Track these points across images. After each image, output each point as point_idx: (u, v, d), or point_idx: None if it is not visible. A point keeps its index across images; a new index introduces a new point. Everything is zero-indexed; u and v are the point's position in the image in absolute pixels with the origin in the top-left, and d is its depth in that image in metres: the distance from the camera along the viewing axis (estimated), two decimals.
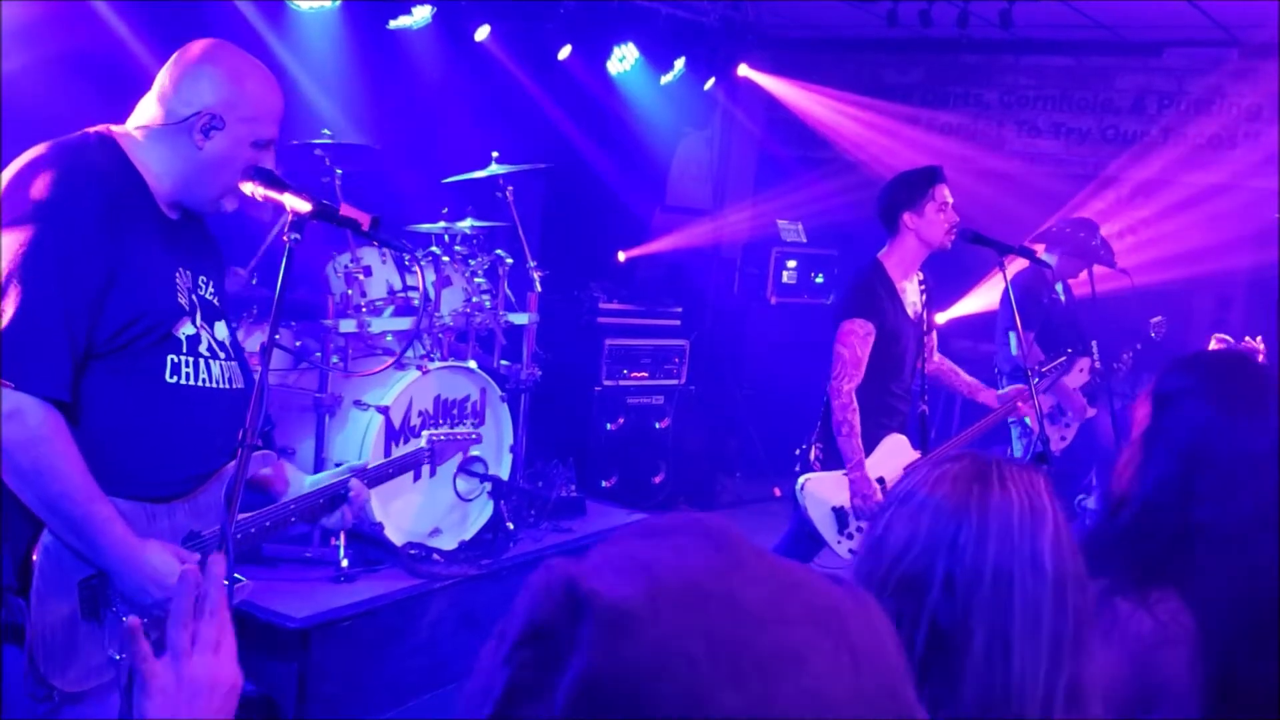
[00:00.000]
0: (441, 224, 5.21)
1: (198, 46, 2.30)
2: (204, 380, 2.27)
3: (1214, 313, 6.67)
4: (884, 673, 0.69)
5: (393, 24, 5.85)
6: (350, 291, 4.72)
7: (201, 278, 2.33)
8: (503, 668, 0.69)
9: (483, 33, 6.31)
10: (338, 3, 5.49)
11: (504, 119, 6.63)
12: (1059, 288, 5.85)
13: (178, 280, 2.25)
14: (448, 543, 4.78)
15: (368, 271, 4.79)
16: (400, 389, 4.52)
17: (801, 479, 4.15)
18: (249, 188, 2.25)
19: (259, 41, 5.38)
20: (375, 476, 2.65)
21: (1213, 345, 4.34)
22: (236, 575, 2.38)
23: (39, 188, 2.06)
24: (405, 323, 4.86)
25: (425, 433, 2.90)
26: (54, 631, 2.08)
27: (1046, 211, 7.10)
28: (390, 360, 4.57)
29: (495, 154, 5.33)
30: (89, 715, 2.16)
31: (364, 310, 4.73)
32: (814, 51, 8.38)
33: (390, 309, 4.89)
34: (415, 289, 4.91)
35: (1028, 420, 5.67)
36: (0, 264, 2.03)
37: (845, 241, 7.41)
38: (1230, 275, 6.74)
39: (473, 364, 4.96)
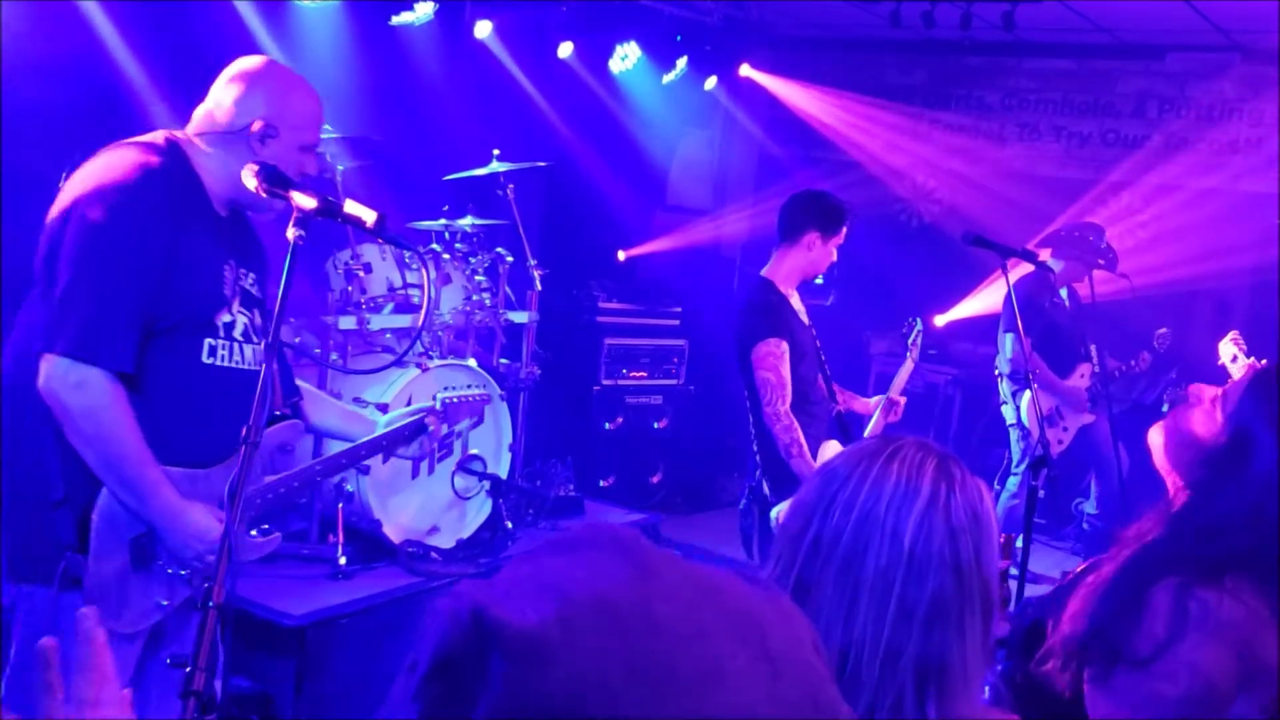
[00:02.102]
0: (442, 221, 5.21)
1: (250, 64, 2.57)
2: (236, 361, 2.51)
3: (1215, 318, 6.66)
4: (803, 678, 0.67)
5: (395, 20, 5.84)
6: (350, 288, 4.72)
7: (243, 269, 2.56)
8: (413, 703, 0.66)
9: (484, 30, 6.31)
10: None
11: (505, 117, 6.63)
12: (1063, 292, 5.85)
13: (225, 272, 2.48)
14: (446, 541, 4.78)
15: (368, 268, 4.79)
16: (400, 386, 4.51)
17: (774, 511, 4.08)
18: (253, 184, 2.25)
19: (262, 38, 5.37)
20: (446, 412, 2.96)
21: (1226, 345, 4.32)
22: (265, 526, 2.66)
23: (113, 183, 2.32)
24: (405, 320, 4.85)
25: (439, 394, 3.04)
26: (109, 582, 2.36)
27: (1047, 214, 7.10)
28: (391, 358, 4.56)
29: (496, 152, 5.33)
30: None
31: (364, 307, 4.73)
32: (816, 51, 8.38)
33: (390, 306, 4.88)
34: (415, 286, 4.91)
35: (1025, 422, 5.68)
36: (74, 249, 2.27)
37: (845, 242, 7.40)
38: (1231, 280, 6.74)
39: (472, 362, 4.96)
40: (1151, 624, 1.75)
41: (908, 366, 4.56)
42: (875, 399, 4.40)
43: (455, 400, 3.07)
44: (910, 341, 4.64)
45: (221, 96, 2.53)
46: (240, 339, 2.52)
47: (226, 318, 2.48)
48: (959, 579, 1.28)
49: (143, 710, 2.51)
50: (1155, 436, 2.22)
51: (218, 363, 2.46)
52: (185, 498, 2.40)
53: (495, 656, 0.63)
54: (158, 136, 2.49)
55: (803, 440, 3.94)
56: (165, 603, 2.44)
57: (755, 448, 4.16)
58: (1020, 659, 1.96)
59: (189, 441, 2.44)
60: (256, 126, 2.47)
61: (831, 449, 4.16)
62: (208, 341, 2.44)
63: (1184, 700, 1.71)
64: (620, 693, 0.61)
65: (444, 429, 2.95)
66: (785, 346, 3.99)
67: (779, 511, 4.05)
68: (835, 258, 4.20)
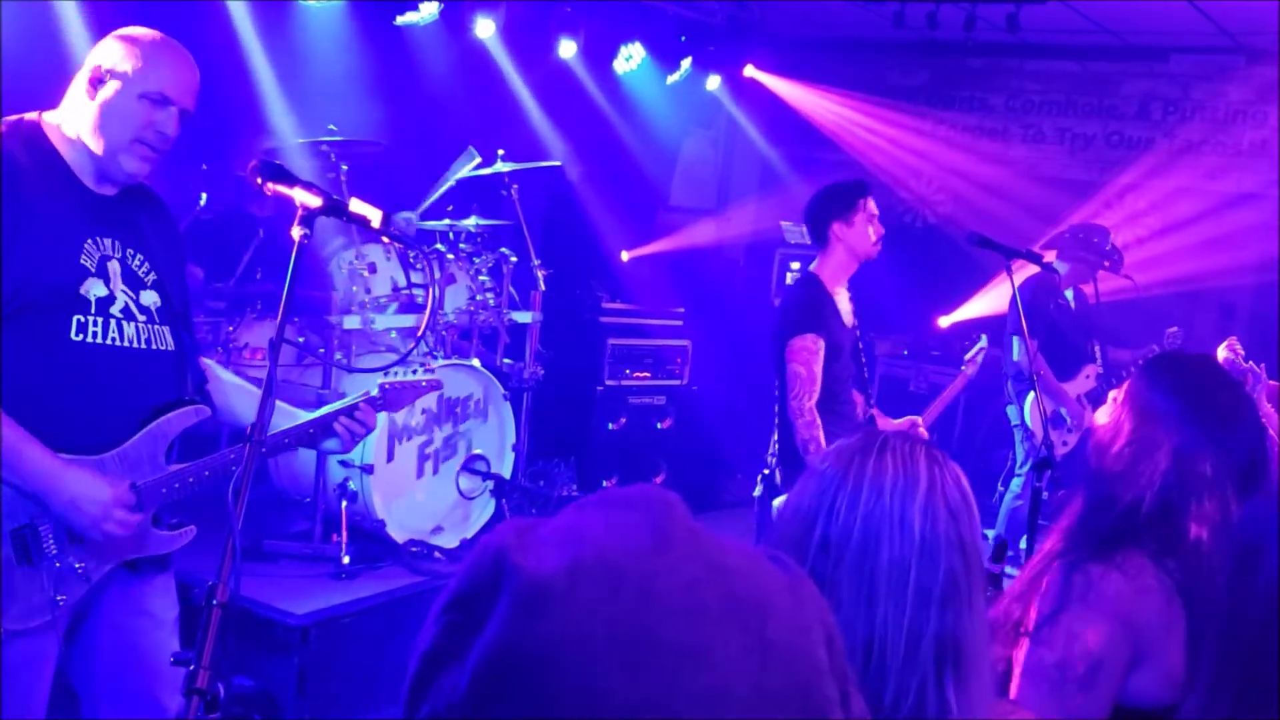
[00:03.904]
0: (446, 221, 5.21)
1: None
2: (114, 339, 2.35)
3: (1218, 319, 6.66)
4: (797, 672, 0.67)
5: (399, 20, 5.85)
6: (355, 288, 4.72)
7: (130, 250, 2.42)
8: (432, 626, 0.70)
9: (488, 30, 6.31)
10: None
11: (510, 117, 6.63)
12: (1069, 294, 5.84)
13: (87, 246, 2.33)
14: (449, 540, 4.78)
15: (372, 268, 4.80)
16: None
17: (776, 502, 4.09)
18: (259, 182, 2.25)
19: (266, 37, 5.38)
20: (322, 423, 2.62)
21: (1223, 353, 4.32)
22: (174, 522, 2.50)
23: None
24: (409, 320, 4.86)
25: (378, 379, 2.77)
26: None
27: (1050, 216, 7.10)
28: (395, 358, 4.56)
29: (501, 152, 5.33)
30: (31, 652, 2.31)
31: (368, 307, 4.73)
32: (820, 52, 8.38)
33: (394, 306, 4.88)
34: (420, 286, 4.91)
35: (1029, 423, 5.67)
36: None
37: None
38: (1234, 282, 6.74)
39: (476, 362, 4.96)
40: (1042, 599, 1.87)
41: (958, 383, 4.52)
42: (900, 421, 4.35)
43: (396, 385, 2.78)
44: (968, 358, 4.58)
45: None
46: (119, 316, 2.36)
47: (98, 290, 2.32)
48: (965, 557, 1.33)
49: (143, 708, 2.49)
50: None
51: (89, 340, 2.30)
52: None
53: (504, 596, 0.66)
54: (15, 119, 2.39)
55: (821, 439, 3.94)
56: (62, 599, 2.29)
57: (776, 436, 4.16)
58: None
59: (68, 425, 2.29)
60: (90, 72, 2.33)
61: None
62: (76, 318, 2.29)
63: (1060, 665, 1.81)
64: (598, 654, 0.62)
65: (379, 417, 2.67)
66: (821, 344, 4.00)
67: (781, 503, 4.05)
68: (877, 231, 4.12)
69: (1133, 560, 1.83)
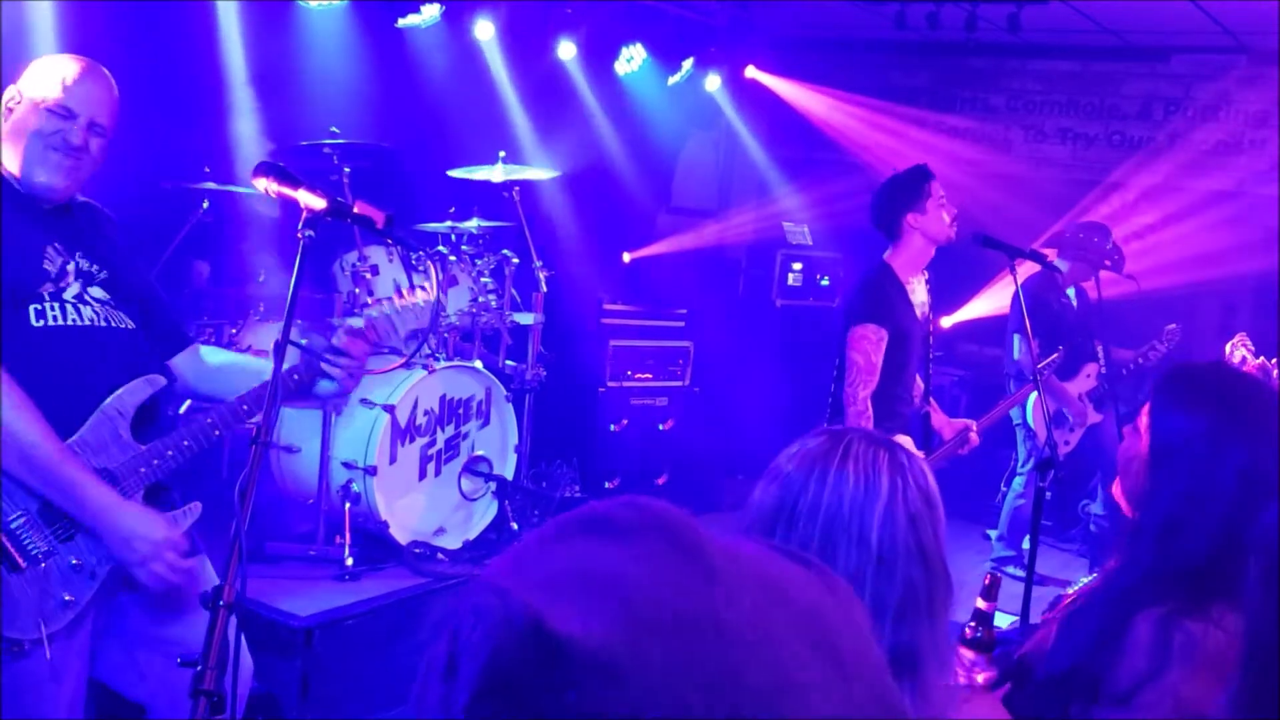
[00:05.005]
0: (448, 223, 5.22)
1: None
2: (74, 320, 2.40)
3: (1220, 318, 6.66)
4: (873, 678, 0.64)
5: (401, 22, 5.85)
6: (357, 290, 4.73)
7: (78, 253, 2.48)
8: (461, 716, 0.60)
9: (487, 32, 6.31)
10: (346, 1, 5.50)
11: (510, 119, 6.64)
12: (1070, 292, 5.84)
13: (48, 253, 2.41)
14: (452, 542, 4.78)
15: (375, 270, 4.80)
16: (406, 388, 4.52)
17: None
18: (263, 183, 2.26)
19: (267, 39, 5.38)
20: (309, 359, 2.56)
21: (1234, 347, 4.32)
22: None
23: None
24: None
25: (371, 311, 2.66)
26: None
27: (1052, 216, 7.10)
28: (398, 360, 4.56)
29: (502, 154, 5.34)
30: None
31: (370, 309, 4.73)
32: (821, 53, 8.38)
33: None
34: (422, 288, 4.92)
35: (1031, 422, 5.68)
36: None
37: (851, 244, 7.40)
38: (1236, 281, 6.74)
39: (478, 364, 4.97)
40: (1132, 657, 1.71)
41: (1027, 394, 4.50)
42: (956, 422, 4.33)
43: (381, 315, 2.67)
44: (1041, 366, 4.54)
45: None
46: (73, 300, 2.42)
47: (50, 288, 2.40)
48: (926, 565, 1.31)
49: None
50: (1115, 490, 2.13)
51: (49, 323, 2.37)
52: None
53: (566, 676, 0.57)
54: None
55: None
56: (70, 598, 2.27)
57: (828, 418, 4.16)
58: (1013, 693, 1.93)
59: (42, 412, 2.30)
60: (5, 101, 2.45)
61: (903, 443, 4.13)
62: (33, 307, 2.36)
63: None
64: (696, 708, 0.57)
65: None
66: (884, 335, 4.00)
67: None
68: (950, 212, 4.12)
69: (1228, 617, 1.69)
